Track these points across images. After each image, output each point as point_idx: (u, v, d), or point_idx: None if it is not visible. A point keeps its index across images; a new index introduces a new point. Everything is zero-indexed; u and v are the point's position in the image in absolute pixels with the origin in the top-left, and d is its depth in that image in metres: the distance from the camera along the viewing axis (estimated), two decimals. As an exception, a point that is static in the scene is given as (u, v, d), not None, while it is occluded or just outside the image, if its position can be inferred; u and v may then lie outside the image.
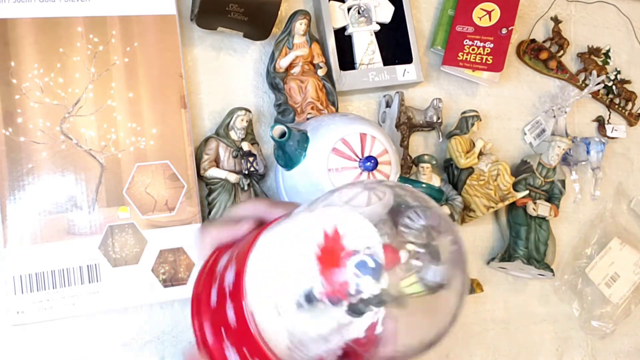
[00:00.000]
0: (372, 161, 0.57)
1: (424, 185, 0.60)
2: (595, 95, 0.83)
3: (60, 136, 0.55)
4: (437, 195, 0.61)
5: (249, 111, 0.61)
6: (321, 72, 0.64)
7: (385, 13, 0.69)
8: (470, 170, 0.70)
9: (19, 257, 0.52)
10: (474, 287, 0.68)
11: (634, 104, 0.85)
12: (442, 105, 0.70)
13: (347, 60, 0.67)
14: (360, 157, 0.54)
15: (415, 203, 0.29)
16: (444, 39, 0.73)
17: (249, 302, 0.29)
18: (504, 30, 0.71)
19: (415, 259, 0.26)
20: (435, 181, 0.67)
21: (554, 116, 0.78)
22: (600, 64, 0.82)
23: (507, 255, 0.72)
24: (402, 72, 0.69)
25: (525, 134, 0.78)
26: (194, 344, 0.33)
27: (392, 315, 0.27)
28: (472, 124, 0.70)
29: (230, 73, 0.65)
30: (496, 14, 0.71)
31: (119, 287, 0.55)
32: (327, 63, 0.65)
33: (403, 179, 0.59)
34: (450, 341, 0.72)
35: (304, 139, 0.55)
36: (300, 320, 0.28)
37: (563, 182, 0.75)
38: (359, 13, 0.68)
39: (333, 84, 0.65)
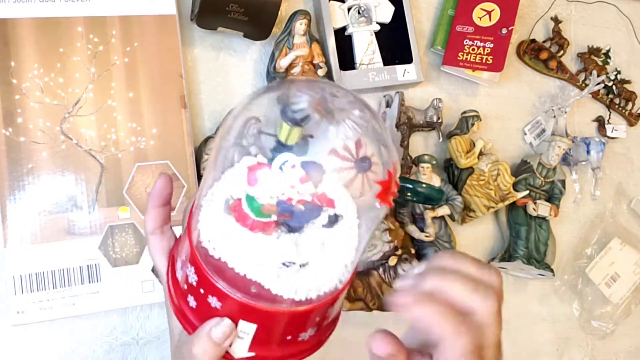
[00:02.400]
0: (367, 162, 0.57)
1: (424, 185, 0.60)
2: (595, 95, 0.83)
3: (60, 136, 0.55)
4: (437, 195, 0.61)
5: (249, 111, 0.61)
6: (321, 72, 0.64)
7: (385, 13, 0.69)
8: (470, 170, 0.70)
9: (19, 257, 0.52)
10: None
11: (634, 104, 0.85)
12: (442, 105, 0.70)
13: (347, 60, 0.67)
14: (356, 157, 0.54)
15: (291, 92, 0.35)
16: (444, 39, 0.73)
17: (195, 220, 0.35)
18: (504, 30, 0.71)
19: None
20: (436, 181, 0.67)
21: (554, 116, 0.78)
22: (600, 64, 0.82)
23: (507, 255, 0.72)
24: (402, 72, 0.69)
25: (525, 134, 0.78)
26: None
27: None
28: (472, 124, 0.70)
29: (230, 73, 0.65)
30: (496, 14, 0.71)
31: (119, 287, 0.55)
32: (327, 63, 0.65)
33: (403, 179, 0.59)
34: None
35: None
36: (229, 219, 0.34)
37: (563, 182, 0.75)
38: (359, 13, 0.68)
39: (333, 84, 0.65)
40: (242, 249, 0.33)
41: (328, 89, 0.35)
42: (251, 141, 0.34)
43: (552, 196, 0.75)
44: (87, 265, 0.54)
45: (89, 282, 0.54)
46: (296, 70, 0.63)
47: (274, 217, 0.32)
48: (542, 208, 0.72)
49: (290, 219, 0.33)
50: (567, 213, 0.79)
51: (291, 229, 0.34)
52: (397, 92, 0.69)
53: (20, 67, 0.54)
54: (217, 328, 0.34)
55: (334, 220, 0.34)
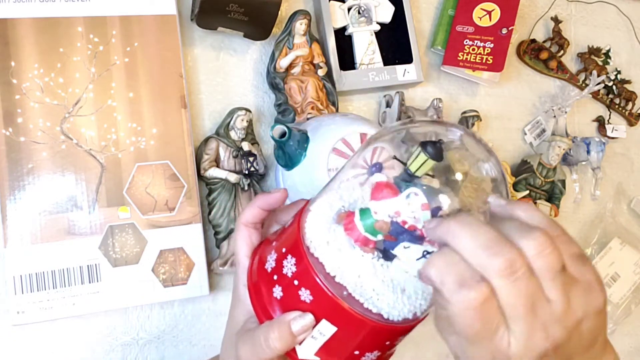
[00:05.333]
0: (377, 165, 0.57)
1: (423, 187, 0.60)
2: (595, 95, 0.83)
3: (61, 136, 0.55)
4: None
5: (249, 111, 0.61)
6: (321, 72, 0.64)
7: (385, 13, 0.69)
8: (470, 170, 0.70)
9: (19, 257, 0.52)
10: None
11: (634, 104, 0.85)
12: (442, 105, 0.70)
13: (347, 60, 0.67)
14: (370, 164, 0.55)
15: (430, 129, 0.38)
16: (444, 39, 0.73)
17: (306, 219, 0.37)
18: (504, 30, 0.71)
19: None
20: (434, 182, 0.67)
21: (554, 116, 0.78)
22: (600, 64, 0.82)
23: (507, 255, 0.72)
24: (402, 72, 0.69)
25: (526, 134, 0.78)
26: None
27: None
28: (472, 124, 0.70)
29: (230, 73, 0.65)
30: (496, 14, 0.71)
31: (119, 287, 0.55)
32: (328, 63, 0.65)
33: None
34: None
35: (304, 139, 0.55)
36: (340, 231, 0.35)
37: (563, 182, 0.75)
38: (359, 13, 0.68)
39: (333, 84, 0.65)
40: (346, 260, 0.35)
41: (471, 136, 0.37)
42: (380, 163, 0.37)
43: (552, 196, 0.75)
44: (87, 265, 0.54)
45: (89, 282, 0.54)
46: (296, 70, 0.63)
47: (380, 237, 0.34)
48: (542, 208, 0.72)
49: (395, 241, 0.34)
50: (567, 213, 0.79)
51: (386, 257, 0.35)
52: (397, 92, 0.69)
53: (20, 67, 0.54)
54: (300, 320, 0.35)
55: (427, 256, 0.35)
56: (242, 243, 0.42)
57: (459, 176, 0.35)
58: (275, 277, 0.37)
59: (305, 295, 0.35)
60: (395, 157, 0.36)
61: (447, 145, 0.35)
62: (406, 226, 0.34)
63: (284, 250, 0.37)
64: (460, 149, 0.36)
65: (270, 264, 0.38)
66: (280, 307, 0.37)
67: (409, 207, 0.33)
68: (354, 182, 0.39)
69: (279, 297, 0.37)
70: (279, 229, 0.42)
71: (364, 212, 0.34)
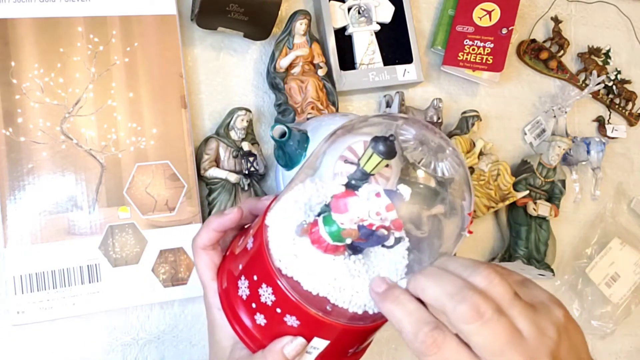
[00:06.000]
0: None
1: (421, 186, 0.60)
2: (595, 95, 0.83)
3: (61, 136, 0.55)
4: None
5: (249, 111, 0.61)
6: (321, 72, 0.64)
7: (385, 13, 0.69)
8: (470, 170, 0.70)
9: (19, 257, 0.52)
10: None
11: (634, 104, 0.85)
12: (442, 105, 0.70)
13: (347, 60, 0.67)
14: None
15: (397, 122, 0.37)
16: (444, 39, 0.73)
17: (267, 233, 0.36)
18: (504, 30, 0.71)
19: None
20: (432, 181, 0.67)
21: (554, 116, 0.78)
22: (600, 64, 0.82)
23: (507, 255, 0.72)
24: (402, 72, 0.69)
25: (526, 134, 0.78)
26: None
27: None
28: (472, 124, 0.70)
29: (230, 73, 0.65)
30: (496, 14, 0.71)
31: (119, 287, 0.55)
32: (328, 63, 0.65)
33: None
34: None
35: (304, 139, 0.55)
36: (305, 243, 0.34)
37: (563, 182, 0.75)
38: (359, 13, 0.68)
39: (333, 84, 0.65)
40: (319, 270, 0.34)
41: (426, 130, 0.36)
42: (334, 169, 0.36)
43: (552, 196, 0.75)
44: (87, 265, 0.54)
45: (89, 282, 0.54)
46: (296, 70, 0.63)
47: (348, 241, 0.34)
48: (542, 208, 0.72)
49: (365, 242, 0.34)
50: (567, 213, 0.79)
51: (356, 251, 0.35)
52: (397, 92, 0.69)
53: (20, 67, 0.54)
54: (291, 346, 0.35)
55: (397, 242, 0.35)
56: (205, 268, 0.41)
57: (420, 173, 0.36)
58: (254, 305, 0.36)
59: (291, 320, 0.35)
60: (346, 160, 0.35)
61: (399, 140, 0.34)
62: (373, 228, 0.33)
63: (255, 277, 0.36)
64: (412, 144, 0.35)
65: (243, 290, 0.37)
66: (268, 334, 0.36)
67: (373, 209, 0.32)
68: (311, 186, 0.38)
69: (263, 325, 0.36)
70: (242, 241, 0.40)
71: (328, 221, 0.33)
